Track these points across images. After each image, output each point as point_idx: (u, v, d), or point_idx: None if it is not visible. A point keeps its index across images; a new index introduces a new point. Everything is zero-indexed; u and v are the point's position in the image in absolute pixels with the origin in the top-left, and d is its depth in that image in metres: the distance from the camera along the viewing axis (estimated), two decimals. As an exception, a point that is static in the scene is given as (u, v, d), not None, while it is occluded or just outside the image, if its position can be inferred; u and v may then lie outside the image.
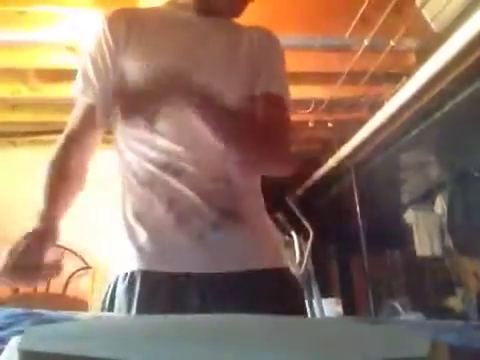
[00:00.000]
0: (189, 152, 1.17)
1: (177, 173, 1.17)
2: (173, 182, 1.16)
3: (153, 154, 1.19)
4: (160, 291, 1.12)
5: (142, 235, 1.17)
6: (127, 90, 1.23)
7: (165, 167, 1.17)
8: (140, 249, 1.16)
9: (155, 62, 1.20)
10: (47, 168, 1.19)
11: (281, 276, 1.22)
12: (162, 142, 1.18)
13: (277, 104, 1.28)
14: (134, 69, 1.21)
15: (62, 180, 1.19)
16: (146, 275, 1.14)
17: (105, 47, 1.23)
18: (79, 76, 1.27)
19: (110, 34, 1.23)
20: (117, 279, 1.17)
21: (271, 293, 1.15)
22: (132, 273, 1.15)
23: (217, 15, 1.31)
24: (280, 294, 1.17)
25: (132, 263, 1.16)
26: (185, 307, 1.08)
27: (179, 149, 1.17)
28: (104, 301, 1.18)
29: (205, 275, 1.12)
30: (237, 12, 1.34)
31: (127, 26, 1.24)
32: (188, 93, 1.17)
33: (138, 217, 1.19)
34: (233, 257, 1.15)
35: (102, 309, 1.18)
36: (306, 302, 3.65)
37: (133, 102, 1.23)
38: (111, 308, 1.15)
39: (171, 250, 1.15)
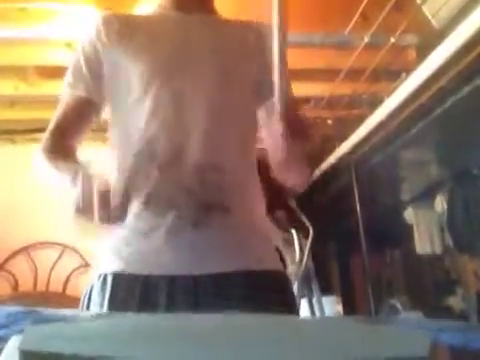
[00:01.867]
0: (175, 144, 1.16)
1: (161, 166, 1.15)
2: (155, 176, 1.15)
3: (139, 147, 1.18)
4: (131, 293, 1.12)
5: (120, 236, 1.17)
6: (119, 86, 1.25)
7: (149, 159, 1.16)
8: (117, 251, 1.16)
9: (147, 59, 1.23)
10: (43, 157, 1.20)
11: (263, 280, 1.17)
12: (147, 135, 1.18)
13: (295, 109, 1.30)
14: (127, 66, 1.24)
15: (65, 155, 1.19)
16: (117, 277, 1.14)
17: (98, 43, 1.26)
18: (70, 71, 1.29)
19: (104, 31, 1.26)
20: (93, 281, 1.18)
21: (248, 298, 1.11)
22: (105, 275, 1.15)
23: (196, 10, 1.32)
24: (258, 300, 1.12)
25: (107, 264, 1.17)
26: (153, 310, 1.07)
27: (164, 142, 1.17)
28: (83, 301, 1.19)
29: (174, 277, 1.11)
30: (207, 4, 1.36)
31: (119, 26, 1.28)
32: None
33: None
34: (210, 258, 1.13)
35: (81, 309, 1.18)
36: (306, 301, 3.65)
37: (124, 100, 1.24)
38: (88, 309, 1.16)
39: (145, 251, 1.14)
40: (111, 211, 0.97)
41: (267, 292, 1.15)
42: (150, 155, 1.16)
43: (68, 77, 1.28)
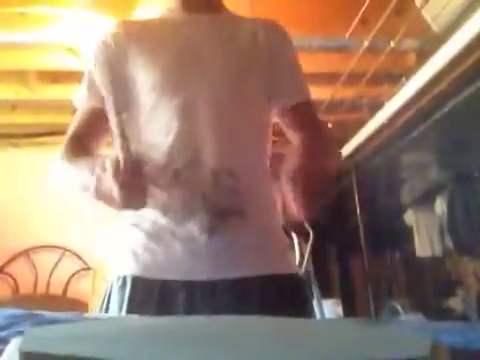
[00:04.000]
0: (190, 151, 1.16)
1: (175, 175, 1.15)
2: (170, 185, 1.15)
3: (152, 155, 1.18)
4: (149, 297, 1.12)
5: (137, 240, 1.17)
6: (131, 96, 1.25)
7: (163, 169, 1.17)
8: (134, 254, 1.17)
9: (157, 69, 1.22)
10: (62, 162, 1.21)
11: (280, 284, 1.17)
12: (161, 142, 1.18)
13: (311, 112, 1.34)
14: (137, 75, 1.24)
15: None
16: (137, 281, 1.15)
17: (109, 53, 1.27)
18: (83, 85, 1.29)
19: (113, 44, 1.27)
20: (112, 282, 1.19)
21: (266, 302, 1.12)
22: (124, 277, 1.16)
23: (204, 10, 1.31)
24: (276, 303, 1.13)
25: (126, 267, 1.18)
26: (171, 314, 1.07)
27: (179, 149, 1.16)
28: (101, 303, 1.20)
29: (193, 282, 1.11)
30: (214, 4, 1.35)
31: (127, 35, 1.28)
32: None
33: (135, 221, 1.19)
34: (227, 263, 1.13)
35: (99, 311, 1.19)
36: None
37: (137, 110, 1.24)
38: (106, 311, 1.17)
39: (163, 256, 1.14)
40: (127, 177, 0.99)
41: (283, 295, 1.16)
42: (166, 164, 1.17)
43: (82, 88, 1.29)
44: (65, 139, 1.26)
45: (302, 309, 1.21)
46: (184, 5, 1.31)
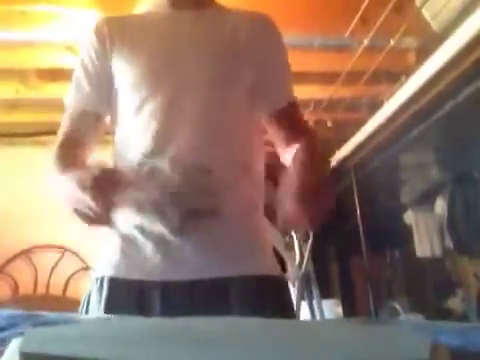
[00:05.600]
0: (165, 151, 1.15)
1: (148, 174, 1.15)
2: (143, 182, 1.14)
3: (130, 155, 1.19)
4: (124, 298, 1.12)
5: (114, 241, 1.18)
6: (115, 95, 1.25)
7: (139, 169, 1.16)
8: (110, 256, 1.18)
9: (136, 66, 1.22)
10: (53, 165, 1.20)
11: (258, 285, 1.15)
12: (140, 143, 1.18)
13: (296, 116, 1.31)
14: (119, 73, 1.24)
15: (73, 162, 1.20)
16: (113, 281, 1.15)
17: (93, 53, 1.27)
18: (72, 83, 1.30)
19: (96, 41, 1.27)
20: (92, 285, 1.19)
21: (243, 304, 1.11)
22: (102, 278, 1.16)
23: (191, 6, 1.29)
24: (253, 305, 1.11)
25: (104, 269, 1.18)
26: (148, 315, 1.06)
27: (155, 149, 1.16)
28: (82, 304, 1.20)
29: (167, 283, 1.11)
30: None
31: (110, 32, 1.27)
32: None
33: (115, 223, 1.20)
34: (200, 263, 1.12)
35: (80, 311, 1.19)
36: (307, 303, 3.65)
37: (120, 111, 1.25)
38: (87, 312, 1.17)
39: (136, 257, 1.15)
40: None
41: (262, 298, 1.14)
42: (141, 165, 1.16)
43: (70, 89, 1.29)
44: (56, 143, 1.25)
45: (281, 311, 1.18)
46: (170, 1, 1.29)
